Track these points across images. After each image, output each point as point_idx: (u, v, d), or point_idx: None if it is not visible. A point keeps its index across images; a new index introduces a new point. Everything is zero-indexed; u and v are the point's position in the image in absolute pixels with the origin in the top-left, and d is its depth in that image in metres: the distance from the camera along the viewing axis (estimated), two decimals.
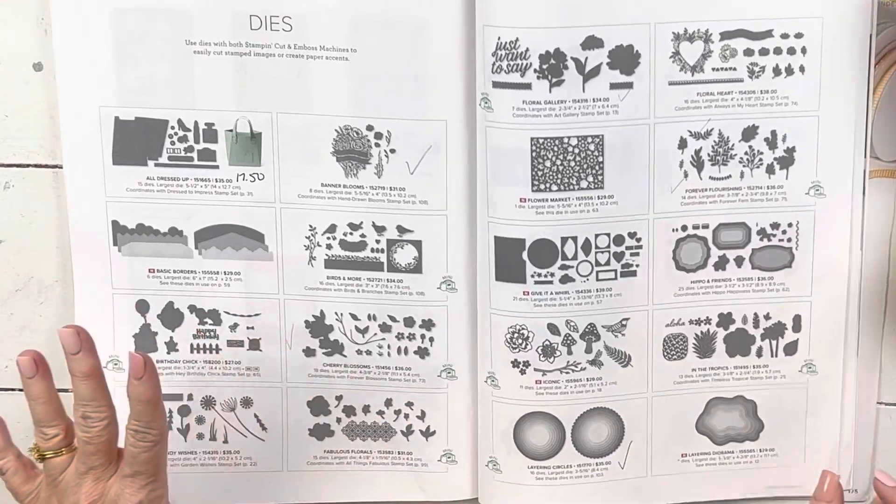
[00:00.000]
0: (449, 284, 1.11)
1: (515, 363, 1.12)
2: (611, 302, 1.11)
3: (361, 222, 1.10)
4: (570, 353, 1.12)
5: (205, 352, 1.13)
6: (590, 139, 1.07)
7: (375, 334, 1.12)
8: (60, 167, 1.10)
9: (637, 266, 1.11)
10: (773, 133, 1.08)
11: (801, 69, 1.06)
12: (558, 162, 1.07)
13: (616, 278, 1.11)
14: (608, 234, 1.10)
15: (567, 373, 1.13)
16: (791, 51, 1.06)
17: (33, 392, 1.02)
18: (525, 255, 1.09)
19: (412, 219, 1.09)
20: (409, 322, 1.12)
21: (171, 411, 1.15)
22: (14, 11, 1.08)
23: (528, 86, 1.05)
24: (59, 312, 1.15)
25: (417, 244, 1.10)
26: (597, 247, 1.10)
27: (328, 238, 1.10)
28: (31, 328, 1.15)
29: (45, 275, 1.14)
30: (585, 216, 1.09)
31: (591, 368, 1.13)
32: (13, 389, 1.16)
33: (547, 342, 1.12)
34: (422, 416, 1.14)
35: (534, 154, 1.06)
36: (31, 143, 1.11)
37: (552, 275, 1.10)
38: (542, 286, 1.10)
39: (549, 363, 1.12)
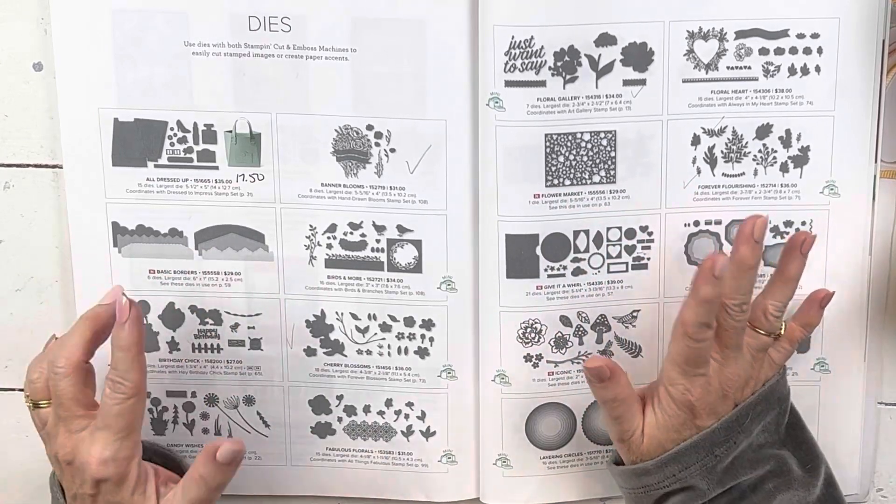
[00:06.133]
0: (449, 284, 1.11)
1: (528, 357, 1.12)
2: (622, 294, 1.12)
3: (361, 222, 1.10)
4: (581, 343, 1.13)
5: (206, 351, 1.14)
6: (602, 134, 1.07)
7: (376, 334, 1.13)
8: (60, 167, 1.10)
9: (648, 259, 1.11)
10: (788, 132, 1.08)
11: (817, 69, 1.07)
12: (571, 157, 1.07)
13: (627, 271, 1.11)
14: (619, 228, 1.10)
15: (578, 363, 1.13)
16: (807, 51, 1.06)
17: None
18: (539, 250, 1.09)
19: (412, 218, 1.09)
20: (409, 322, 1.12)
21: (176, 407, 1.16)
22: (14, 11, 1.08)
23: (542, 83, 1.05)
24: (58, 312, 1.15)
25: (417, 244, 1.10)
26: (608, 240, 1.10)
27: (328, 238, 1.10)
28: (31, 328, 1.15)
29: (45, 275, 1.14)
30: (597, 210, 1.09)
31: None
32: (13, 389, 1.16)
33: (559, 334, 1.12)
34: (422, 417, 1.15)
35: (548, 150, 1.07)
36: (31, 143, 1.11)
37: (564, 268, 1.10)
38: (555, 279, 1.10)
39: (562, 354, 1.13)
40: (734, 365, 1.05)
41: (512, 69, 1.04)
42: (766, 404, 1.06)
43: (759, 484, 1.05)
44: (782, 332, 1.07)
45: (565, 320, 1.12)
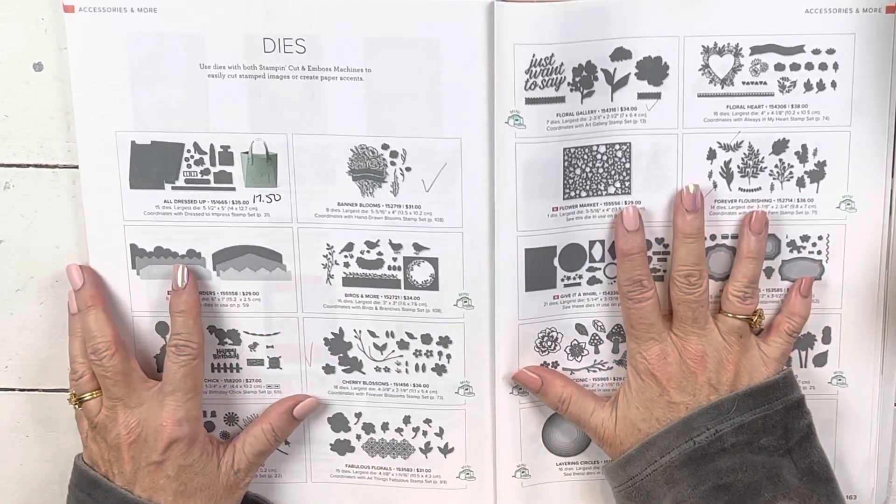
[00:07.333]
0: (465, 301, 1.11)
1: (544, 365, 1.13)
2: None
3: (378, 240, 1.10)
4: (597, 352, 1.14)
5: (225, 371, 1.14)
6: (617, 146, 1.07)
7: (393, 351, 1.13)
8: (61, 167, 1.10)
9: (664, 271, 1.11)
10: (804, 147, 1.08)
11: (833, 84, 1.07)
12: (588, 169, 1.07)
13: None
14: None
15: (594, 371, 1.14)
16: (823, 66, 1.06)
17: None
18: (556, 262, 1.10)
19: (428, 236, 1.10)
20: (426, 339, 1.12)
21: None
22: (14, 11, 1.08)
23: (561, 99, 1.05)
24: (58, 312, 1.15)
25: (434, 261, 1.10)
26: None
27: (345, 256, 1.11)
28: (31, 328, 1.15)
29: (44, 275, 1.14)
30: (612, 220, 1.10)
31: (618, 368, 1.14)
32: (13, 389, 1.17)
33: (575, 342, 1.13)
34: (440, 433, 1.15)
35: (566, 164, 1.07)
36: (31, 143, 1.11)
37: (580, 277, 1.11)
38: (571, 288, 1.11)
39: (577, 362, 1.14)
40: (697, 341, 1.07)
41: (532, 87, 1.04)
42: (758, 400, 1.07)
43: (757, 491, 1.06)
44: (756, 317, 1.09)
45: (581, 328, 1.13)
